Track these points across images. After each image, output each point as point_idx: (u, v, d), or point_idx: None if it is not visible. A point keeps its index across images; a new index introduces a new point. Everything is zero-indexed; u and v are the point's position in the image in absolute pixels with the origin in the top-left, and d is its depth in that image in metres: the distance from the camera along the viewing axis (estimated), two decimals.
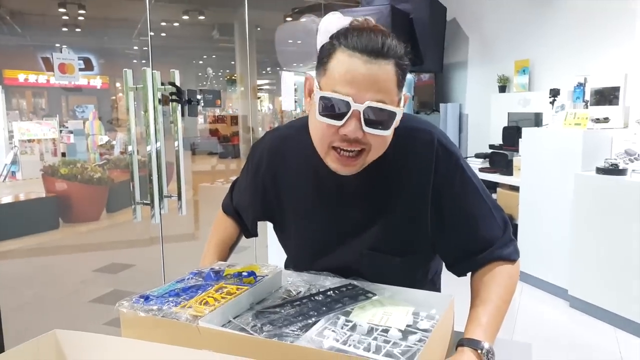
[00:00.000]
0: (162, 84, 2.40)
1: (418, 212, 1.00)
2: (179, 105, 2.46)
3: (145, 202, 2.45)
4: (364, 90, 0.85)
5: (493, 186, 4.39)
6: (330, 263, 1.07)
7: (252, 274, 1.02)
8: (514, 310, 3.45)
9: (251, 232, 1.28)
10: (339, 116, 0.87)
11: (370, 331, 0.80)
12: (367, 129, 0.87)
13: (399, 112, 0.90)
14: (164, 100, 2.43)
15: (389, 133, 0.90)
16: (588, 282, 3.29)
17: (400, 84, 0.89)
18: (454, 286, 1.17)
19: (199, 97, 2.60)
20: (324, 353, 0.72)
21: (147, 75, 2.33)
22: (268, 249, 3.05)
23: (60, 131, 6.95)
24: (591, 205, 3.25)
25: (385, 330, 0.81)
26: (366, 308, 0.90)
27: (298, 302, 0.92)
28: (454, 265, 1.05)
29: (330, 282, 1.02)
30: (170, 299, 0.91)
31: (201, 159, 7.24)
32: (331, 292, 0.97)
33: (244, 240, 1.33)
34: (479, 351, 0.85)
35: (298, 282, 1.04)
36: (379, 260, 1.04)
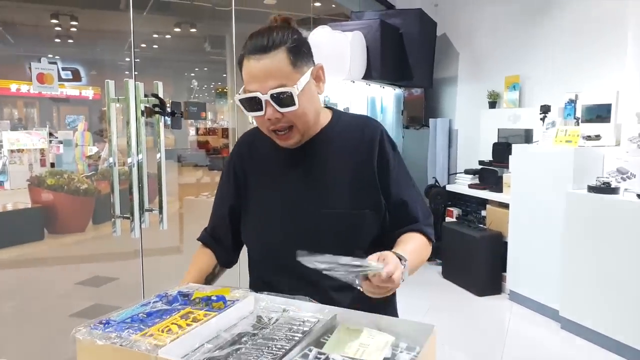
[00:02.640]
0: (146, 95, 2.35)
1: (366, 175, 1.17)
2: (162, 117, 2.42)
3: (124, 215, 2.38)
4: (264, 82, 1.04)
5: (482, 203, 4.35)
6: (293, 228, 1.17)
7: (221, 298, 0.97)
8: (503, 329, 3.39)
9: (227, 252, 1.32)
10: (258, 108, 1.07)
11: None
12: (281, 109, 1.06)
13: (295, 88, 1.05)
14: (147, 112, 2.38)
15: (296, 107, 1.06)
16: (580, 303, 3.23)
17: (295, 63, 1.06)
18: (438, 319, 1.13)
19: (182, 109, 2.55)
20: None
21: (130, 86, 2.28)
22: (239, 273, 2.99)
23: (50, 141, 6.90)
24: (583, 224, 3.20)
25: None
26: (342, 339, 0.85)
27: (268, 331, 0.88)
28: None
29: (305, 309, 0.97)
30: (133, 324, 0.87)
31: (188, 171, 7.19)
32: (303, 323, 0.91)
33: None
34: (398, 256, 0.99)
35: (271, 307, 0.99)
36: (335, 218, 1.14)
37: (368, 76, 3.97)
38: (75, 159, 6.70)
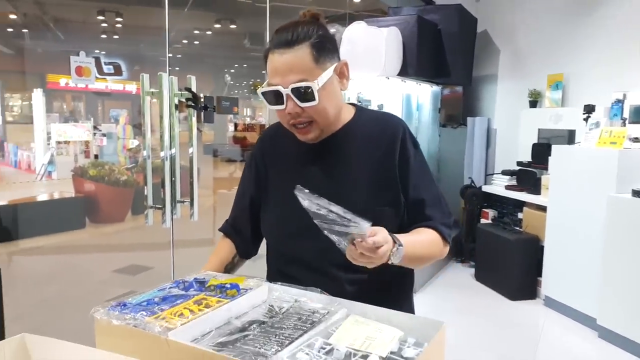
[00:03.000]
0: (180, 89, 2.40)
1: (387, 173, 1.17)
2: (195, 111, 2.46)
3: (157, 206, 2.45)
4: (286, 76, 1.06)
5: (519, 205, 4.23)
6: (310, 221, 1.13)
7: (235, 286, 0.99)
8: (536, 335, 3.29)
9: (246, 243, 1.33)
10: (280, 102, 1.08)
11: (348, 356, 0.75)
12: (302, 104, 1.07)
13: (316, 83, 1.06)
14: (180, 106, 2.43)
15: (316, 102, 1.07)
16: (619, 311, 3.10)
17: (318, 58, 1.07)
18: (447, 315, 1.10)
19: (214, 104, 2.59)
20: None
21: (164, 80, 2.33)
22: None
23: (94, 134, 7.18)
24: (625, 229, 3.07)
25: (365, 357, 0.75)
26: (350, 331, 0.84)
27: (277, 320, 0.89)
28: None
29: (317, 300, 0.97)
30: (148, 307, 0.90)
31: (222, 165, 7.33)
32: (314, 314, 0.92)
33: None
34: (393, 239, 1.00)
35: (283, 297, 1.00)
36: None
37: (404, 73, 3.91)
38: (117, 152, 6.95)
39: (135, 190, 5.37)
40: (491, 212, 4.54)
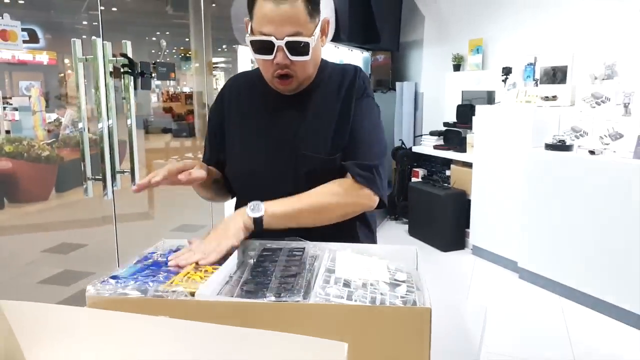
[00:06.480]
0: (114, 56, 2.31)
1: (345, 120, 1.20)
2: (132, 78, 2.38)
3: (96, 177, 2.37)
4: (281, 27, 1.05)
5: (447, 163, 4.50)
6: (274, 163, 1.21)
7: None
8: (466, 281, 3.59)
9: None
10: (269, 52, 1.08)
11: (364, 286, 0.81)
12: (292, 57, 1.09)
13: (312, 39, 1.09)
14: (115, 73, 2.34)
15: (309, 57, 1.10)
16: (536, 254, 3.46)
17: (312, 13, 1.08)
18: None
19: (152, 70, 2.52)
20: (352, 307, 0.73)
21: (97, 45, 2.23)
22: None
23: (4, 108, 6.59)
24: (541, 179, 3.39)
25: (374, 284, 0.82)
26: (347, 265, 0.89)
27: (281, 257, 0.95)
28: None
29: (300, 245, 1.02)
30: (149, 276, 0.85)
31: (155, 137, 7.07)
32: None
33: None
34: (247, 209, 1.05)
35: (269, 244, 1.04)
36: (311, 161, 1.18)
37: (336, 39, 3.98)
38: (35, 126, 6.48)
39: (58, 167, 5.07)
40: (421, 171, 4.80)
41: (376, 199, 1.17)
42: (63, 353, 0.68)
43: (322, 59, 1.27)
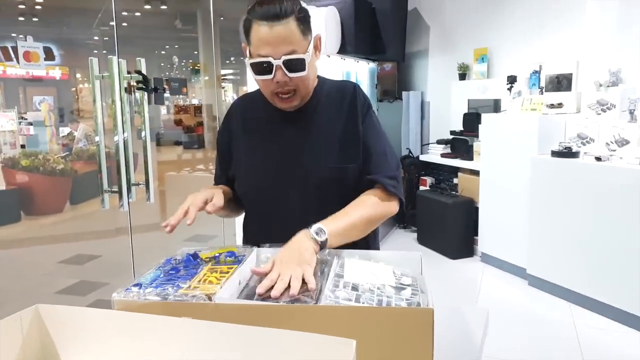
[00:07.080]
0: (128, 72, 2.40)
1: (352, 132, 1.26)
2: (146, 93, 2.47)
3: (113, 190, 2.45)
4: (277, 47, 1.12)
5: (454, 171, 4.54)
6: (284, 176, 1.26)
7: (232, 254, 1.04)
8: (475, 288, 3.62)
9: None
10: (268, 72, 1.15)
11: (371, 289, 0.86)
12: (290, 74, 1.15)
13: (307, 55, 1.16)
14: (129, 89, 2.43)
15: (306, 72, 1.16)
16: (545, 260, 3.47)
17: (304, 32, 1.16)
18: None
19: (165, 86, 2.60)
20: (359, 308, 0.78)
21: (114, 63, 2.32)
22: (236, 238, 3.08)
23: (19, 123, 6.74)
24: (547, 186, 3.42)
25: (380, 288, 0.87)
26: (354, 270, 0.94)
27: None
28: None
29: None
30: (169, 282, 0.90)
31: (166, 149, 7.18)
32: None
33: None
34: (310, 229, 1.06)
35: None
36: (317, 173, 1.24)
37: (343, 51, 4.05)
38: (48, 140, 6.59)
39: (72, 179, 5.17)
40: (429, 179, 4.84)
41: (398, 206, 1.28)
42: (96, 353, 0.74)
43: (318, 76, 1.33)
